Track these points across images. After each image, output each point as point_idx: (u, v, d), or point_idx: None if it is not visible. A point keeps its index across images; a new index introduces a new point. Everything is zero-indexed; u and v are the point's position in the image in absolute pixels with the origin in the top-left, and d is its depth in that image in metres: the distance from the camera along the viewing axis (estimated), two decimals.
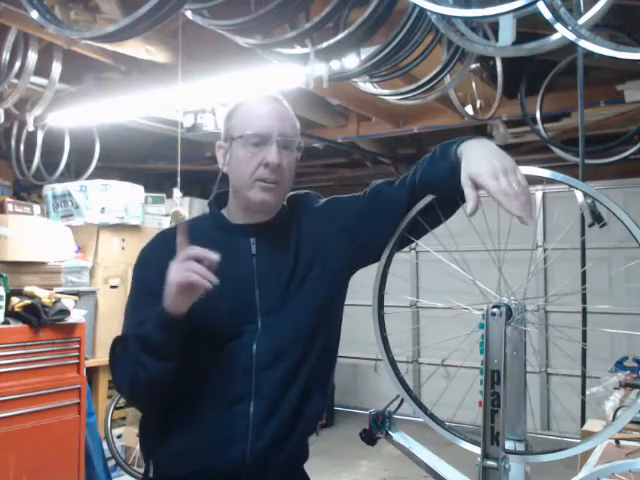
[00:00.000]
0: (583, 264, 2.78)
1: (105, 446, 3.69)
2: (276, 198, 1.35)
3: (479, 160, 1.22)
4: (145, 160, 6.06)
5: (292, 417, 1.32)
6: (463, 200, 1.33)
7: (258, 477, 1.31)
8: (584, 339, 2.79)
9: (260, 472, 1.31)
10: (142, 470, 1.47)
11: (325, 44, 2.47)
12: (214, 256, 1.16)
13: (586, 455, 1.92)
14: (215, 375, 1.30)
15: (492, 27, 2.65)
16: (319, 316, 1.36)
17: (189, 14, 2.35)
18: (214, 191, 1.46)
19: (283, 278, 1.35)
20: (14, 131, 4.66)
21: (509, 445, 1.27)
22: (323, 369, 1.39)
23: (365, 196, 1.45)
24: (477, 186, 1.21)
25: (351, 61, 2.74)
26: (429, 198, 1.37)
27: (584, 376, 2.82)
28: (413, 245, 1.48)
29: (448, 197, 1.36)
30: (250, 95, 1.40)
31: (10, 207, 3.76)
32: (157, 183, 5.97)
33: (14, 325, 3.06)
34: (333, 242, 1.40)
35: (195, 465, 1.30)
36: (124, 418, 4.31)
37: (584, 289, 2.68)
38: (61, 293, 3.40)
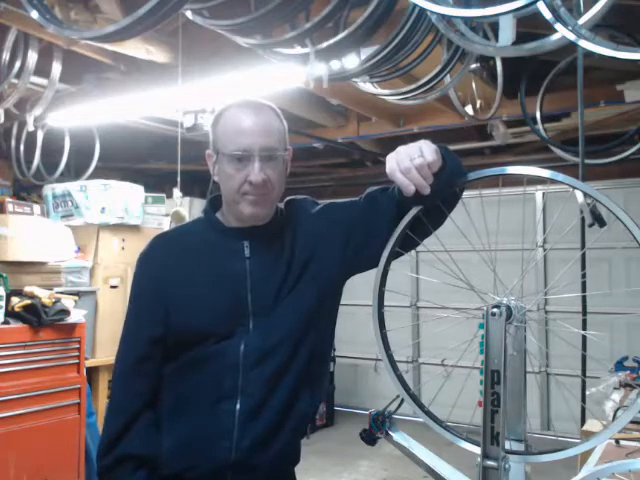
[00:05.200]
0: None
1: None
2: (266, 209, 1.36)
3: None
4: (145, 160, 6.06)
5: (279, 416, 1.33)
6: (449, 209, 1.37)
7: (244, 476, 1.32)
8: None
9: (246, 471, 1.32)
10: None
11: (325, 44, 2.47)
12: None
13: (586, 455, 1.92)
14: (203, 373, 1.32)
15: (492, 27, 2.65)
16: (309, 319, 1.37)
17: (189, 14, 2.35)
18: (207, 197, 1.48)
19: (276, 281, 1.36)
20: (14, 131, 4.66)
21: (509, 445, 1.27)
22: (312, 371, 1.40)
23: (361, 201, 1.46)
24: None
25: (351, 61, 2.74)
26: (415, 210, 1.37)
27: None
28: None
29: (435, 206, 1.36)
30: (233, 102, 1.39)
31: (10, 207, 3.76)
32: (157, 183, 5.97)
33: (14, 325, 3.06)
34: (328, 247, 1.41)
35: (182, 463, 1.32)
36: None
37: (584, 275, 2.68)
38: (61, 293, 3.40)
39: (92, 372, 3.75)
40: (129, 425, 1.33)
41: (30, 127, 4.02)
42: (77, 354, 3.34)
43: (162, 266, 1.39)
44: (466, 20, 2.16)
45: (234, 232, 1.39)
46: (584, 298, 2.80)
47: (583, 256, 2.86)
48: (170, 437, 1.34)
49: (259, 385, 1.31)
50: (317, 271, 1.39)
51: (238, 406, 1.30)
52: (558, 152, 4.31)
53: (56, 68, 3.48)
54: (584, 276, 2.68)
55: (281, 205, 1.46)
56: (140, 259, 1.44)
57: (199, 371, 1.33)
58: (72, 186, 4.09)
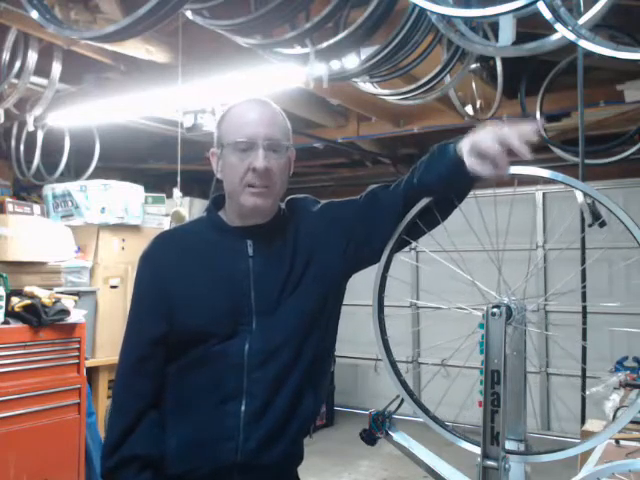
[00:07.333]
0: (583, 262, 2.79)
1: None
2: (268, 202, 1.36)
3: (481, 134, 1.32)
4: (145, 160, 6.06)
5: (284, 417, 1.33)
6: (459, 200, 1.36)
7: (250, 476, 1.32)
8: (584, 338, 2.79)
9: (251, 471, 1.32)
10: None
11: (325, 44, 2.47)
12: None
13: (586, 455, 1.92)
14: (208, 373, 1.32)
15: (492, 27, 2.65)
16: (312, 319, 1.37)
17: (189, 14, 2.35)
18: (210, 196, 1.48)
19: (279, 280, 1.36)
20: (14, 131, 4.66)
21: (509, 445, 1.27)
22: (316, 371, 1.40)
23: (361, 200, 1.47)
24: (482, 155, 1.28)
25: (351, 61, 2.74)
26: (426, 200, 1.37)
27: (584, 375, 2.81)
28: (413, 245, 1.48)
29: (445, 198, 1.37)
30: (239, 101, 1.41)
31: (10, 207, 3.75)
32: (157, 183, 5.97)
33: (14, 325, 3.06)
34: (329, 246, 1.41)
35: (187, 464, 1.32)
36: None
37: (584, 287, 2.68)
38: (61, 293, 3.40)
39: (92, 372, 3.75)
40: (133, 426, 1.33)
41: (30, 127, 4.02)
42: (77, 354, 3.33)
43: (163, 265, 1.39)
44: (466, 20, 2.16)
45: (237, 231, 1.39)
46: (584, 308, 2.80)
47: (584, 260, 2.85)
48: (174, 437, 1.33)
49: (264, 386, 1.31)
50: (319, 270, 1.39)
51: (243, 407, 1.30)
52: (558, 152, 4.31)
53: (56, 68, 3.47)
54: (584, 281, 2.68)
55: (282, 204, 1.46)
56: (141, 258, 1.44)
57: (202, 371, 1.32)
58: (72, 186, 4.09)
